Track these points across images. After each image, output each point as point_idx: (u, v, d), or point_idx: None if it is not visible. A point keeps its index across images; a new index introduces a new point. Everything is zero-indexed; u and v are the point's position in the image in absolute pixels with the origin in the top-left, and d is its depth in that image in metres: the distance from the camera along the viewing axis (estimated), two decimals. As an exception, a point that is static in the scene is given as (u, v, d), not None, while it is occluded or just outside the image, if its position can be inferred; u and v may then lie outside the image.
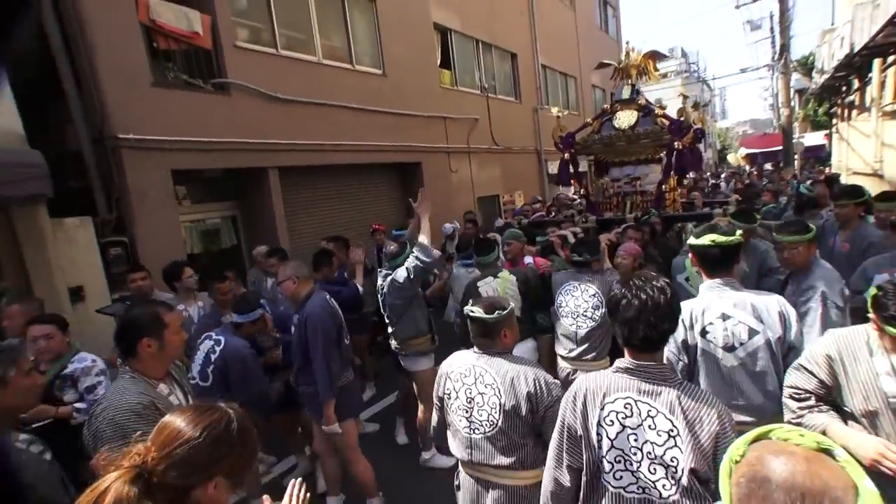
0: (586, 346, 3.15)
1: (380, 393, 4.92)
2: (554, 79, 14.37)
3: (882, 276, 2.86)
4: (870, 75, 10.52)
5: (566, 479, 1.58)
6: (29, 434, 1.76)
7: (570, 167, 5.65)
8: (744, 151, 26.26)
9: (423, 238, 3.32)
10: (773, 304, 2.02)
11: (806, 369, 1.77)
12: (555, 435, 1.64)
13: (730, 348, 2.02)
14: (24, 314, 2.83)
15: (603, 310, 3.07)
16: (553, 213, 7.14)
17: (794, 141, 17.99)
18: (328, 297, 3.06)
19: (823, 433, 1.59)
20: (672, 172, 5.31)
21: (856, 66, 10.76)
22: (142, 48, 4.93)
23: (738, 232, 2.17)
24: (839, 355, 1.67)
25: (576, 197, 7.40)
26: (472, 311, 2.00)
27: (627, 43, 5.94)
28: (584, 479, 1.56)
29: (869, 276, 2.87)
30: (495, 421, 1.92)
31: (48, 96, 4.44)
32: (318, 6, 6.96)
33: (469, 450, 1.99)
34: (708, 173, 20.25)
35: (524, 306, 3.37)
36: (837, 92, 14.77)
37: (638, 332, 1.47)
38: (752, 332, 1.99)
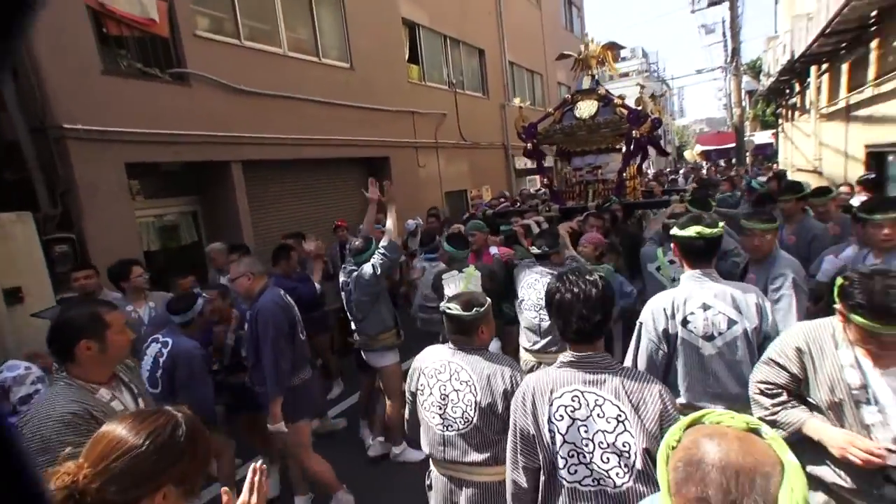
0: (550, 338, 3.16)
1: (348, 389, 4.86)
2: (521, 75, 14.53)
3: (831, 258, 3.06)
4: (808, 80, 11.20)
5: (523, 481, 1.59)
6: None
7: (536, 158, 5.71)
8: (699, 148, 27.42)
9: (391, 226, 3.31)
10: (751, 296, 2.07)
11: (776, 363, 1.75)
12: (509, 437, 1.64)
13: (709, 337, 2.06)
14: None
15: None
16: (518, 205, 7.23)
17: (745, 139, 18.88)
18: (282, 292, 2.98)
19: (800, 430, 1.64)
20: (631, 161, 5.44)
21: (797, 71, 11.47)
22: (90, 33, 4.66)
23: (721, 224, 2.19)
24: (808, 347, 1.67)
25: (541, 189, 7.52)
26: (449, 308, 1.96)
27: (587, 34, 6.06)
28: (541, 478, 1.56)
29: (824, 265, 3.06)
30: (470, 418, 1.90)
31: (-21, 81, 4.14)
32: (282, -4, 6.78)
33: (442, 447, 1.96)
34: (668, 168, 20.97)
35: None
36: (782, 94, 15.67)
37: (572, 324, 1.51)
38: (731, 323, 2.03)
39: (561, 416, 1.50)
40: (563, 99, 5.94)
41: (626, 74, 32.43)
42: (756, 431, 0.85)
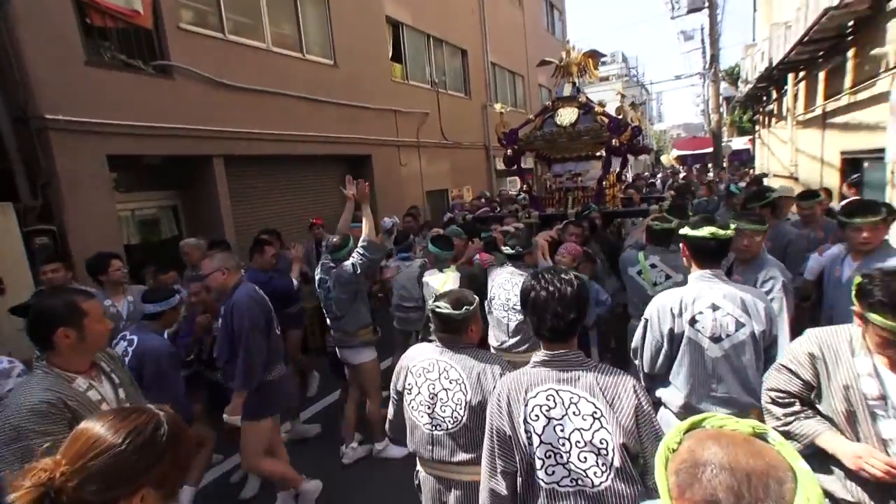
0: (518, 338, 3.16)
1: (322, 392, 4.77)
2: (503, 76, 14.71)
3: (815, 256, 3.20)
4: (785, 87, 11.58)
5: (502, 488, 1.55)
6: None
7: (515, 163, 5.76)
8: (676, 153, 28.08)
9: (366, 227, 3.33)
10: (759, 299, 2.08)
11: (788, 369, 1.67)
12: (486, 442, 1.60)
13: (716, 339, 2.04)
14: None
15: None
16: (498, 209, 7.31)
17: (722, 144, 19.46)
18: (257, 288, 2.96)
19: (814, 443, 1.58)
20: (611, 169, 5.52)
21: (774, 78, 11.80)
22: (73, 23, 4.65)
23: (733, 226, 2.21)
24: (822, 353, 1.59)
25: (521, 194, 7.62)
26: (439, 307, 1.93)
27: (568, 42, 6.15)
28: (519, 480, 1.54)
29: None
30: (460, 417, 1.88)
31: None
32: (267, -8, 6.80)
33: (430, 446, 1.93)
34: (647, 173, 21.46)
35: None
36: (759, 101, 16.11)
37: (546, 322, 1.51)
38: (739, 325, 2.02)
39: (536, 416, 1.48)
40: (543, 105, 5.99)
41: (606, 78, 32.99)
42: (762, 437, 0.79)
